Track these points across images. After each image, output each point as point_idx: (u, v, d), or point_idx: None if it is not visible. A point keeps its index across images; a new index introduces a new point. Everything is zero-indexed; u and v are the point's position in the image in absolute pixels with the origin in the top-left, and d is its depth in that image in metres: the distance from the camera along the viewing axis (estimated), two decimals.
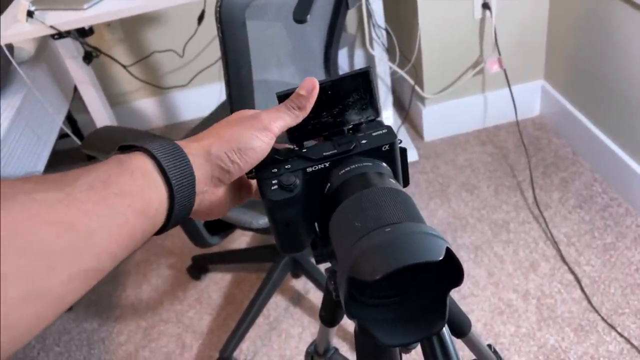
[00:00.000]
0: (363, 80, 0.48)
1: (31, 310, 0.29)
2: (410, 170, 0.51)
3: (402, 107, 2.20)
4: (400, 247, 0.36)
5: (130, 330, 1.57)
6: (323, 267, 0.55)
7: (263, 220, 1.15)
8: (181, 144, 0.42)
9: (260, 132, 0.44)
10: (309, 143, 0.50)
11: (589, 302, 1.40)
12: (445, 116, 2.01)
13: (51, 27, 1.37)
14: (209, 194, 0.44)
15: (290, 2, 0.98)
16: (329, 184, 0.47)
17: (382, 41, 1.82)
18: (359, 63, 2.37)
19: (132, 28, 2.20)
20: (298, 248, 0.49)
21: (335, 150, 0.47)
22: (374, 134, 0.48)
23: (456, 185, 1.83)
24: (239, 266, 1.71)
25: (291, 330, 1.49)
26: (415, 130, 2.12)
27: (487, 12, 1.77)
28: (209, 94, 2.31)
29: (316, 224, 0.49)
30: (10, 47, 1.55)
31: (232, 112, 0.99)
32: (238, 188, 0.49)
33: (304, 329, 1.48)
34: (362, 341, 0.60)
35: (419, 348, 0.61)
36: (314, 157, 0.47)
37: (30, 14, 1.38)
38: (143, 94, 2.41)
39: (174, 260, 1.77)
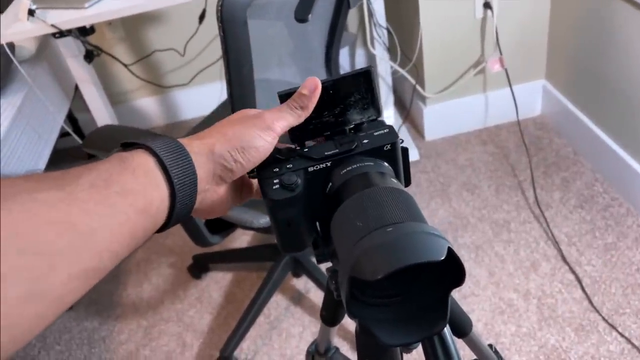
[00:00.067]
0: (365, 80, 0.48)
1: (31, 310, 0.29)
2: (411, 170, 0.51)
3: (403, 107, 2.19)
4: (402, 247, 0.36)
5: (131, 329, 1.57)
6: (324, 266, 0.55)
7: (264, 220, 1.15)
8: (183, 141, 0.42)
9: (264, 132, 0.44)
10: (309, 142, 0.50)
11: (590, 302, 1.40)
12: (446, 115, 2.01)
13: (52, 25, 1.37)
14: (210, 193, 0.44)
15: (291, 1, 0.98)
16: (330, 184, 0.47)
17: (383, 40, 1.82)
18: (360, 62, 2.37)
19: (133, 27, 2.20)
20: (299, 247, 0.49)
21: (337, 150, 0.47)
22: (375, 133, 0.48)
23: (457, 184, 1.83)
24: (240, 265, 1.71)
25: (292, 330, 1.49)
26: (416, 129, 2.12)
27: (489, 11, 1.77)
28: (210, 93, 2.30)
29: (317, 223, 0.49)
30: (11, 45, 1.55)
31: (233, 111, 0.99)
32: (239, 187, 0.49)
33: (304, 328, 1.48)
34: (363, 341, 0.60)
35: (420, 348, 0.61)
36: (316, 157, 0.47)
37: (31, 12, 1.38)
38: (144, 93, 2.41)
39: (175, 259, 1.77)
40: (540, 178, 1.79)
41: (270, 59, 1.14)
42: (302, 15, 0.93)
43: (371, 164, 0.46)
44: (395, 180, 0.46)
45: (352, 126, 0.50)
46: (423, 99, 1.99)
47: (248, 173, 0.46)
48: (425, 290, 0.41)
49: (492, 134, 2.02)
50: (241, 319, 1.44)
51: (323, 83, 0.47)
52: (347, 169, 0.46)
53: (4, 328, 0.27)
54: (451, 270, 0.37)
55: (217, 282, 1.67)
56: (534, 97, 2.02)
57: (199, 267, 1.69)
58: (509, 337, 1.36)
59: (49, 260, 0.29)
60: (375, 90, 0.49)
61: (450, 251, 0.36)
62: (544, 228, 1.62)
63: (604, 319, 1.35)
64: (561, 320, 1.38)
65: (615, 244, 1.53)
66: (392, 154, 0.48)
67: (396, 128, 2.01)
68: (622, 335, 1.31)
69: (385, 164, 0.48)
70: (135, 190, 0.36)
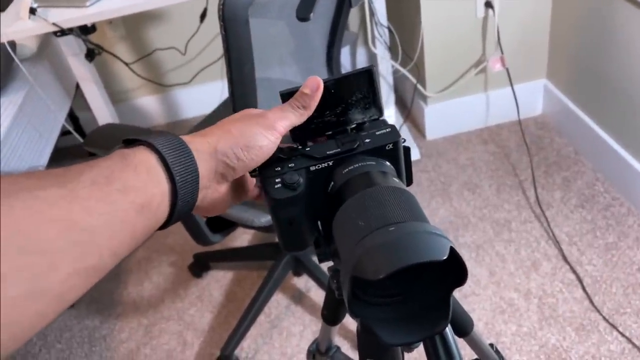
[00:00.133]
0: (366, 79, 0.48)
1: (32, 308, 0.29)
2: (413, 169, 0.51)
3: (404, 106, 2.19)
4: (404, 247, 0.36)
5: (131, 328, 1.58)
6: (324, 265, 0.54)
7: (265, 218, 1.15)
8: (186, 139, 0.42)
9: (267, 131, 0.44)
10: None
11: (591, 301, 1.40)
12: (448, 115, 2.01)
13: (54, 24, 1.37)
14: (211, 190, 0.44)
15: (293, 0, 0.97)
16: (332, 183, 0.46)
17: (384, 39, 1.82)
18: (361, 61, 2.37)
19: (134, 25, 2.20)
20: (301, 246, 0.49)
21: (339, 149, 0.47)
22: (377, 132, 0.48)
23: (458, 184, 1.83)
24: (241, 264, 1.71)
25: (292, 329, 1.49)
26: (418, 128, 2.12)
27: (490, 10, 1.76)
28: (211, 92, 2.30)
29: (319, 222, 0.49)
30: (12, 44, 1.55)
31: (234, 110, 0.99)
32: (240, 186, 0.49)
33: (305, 327, 1.48)
34: (365, 340, 0.60)
35: (421, 347, 0.61)
36: (318, 156, 0.47)
37: (32, 11, 1.38)
38: (145, 92, 2.41)
39: (176, 257, 1.77)
40: (541, 177, 1.78)
41: (271, 57, 1.14)
42: (303, 14, 0.93)
43: (373, 163, 0.46)
44: (397, 180, 0.46)
45: (353, 125, 0.50)
46: (424, 98, 1.99)
47: (250, 172, 0.46)
48: (427, 290, 0.41)
49: (493, 134, 2.02)
50: (242, 318, 1.44)
51: (325, 82, 0.47)
52: (349, 168, 0.46)
53: (4, 326, 0.27)
54: (453, 270, 0.37)
55: (218, 280, 1.67)
56: (535, 96, 2.02)
57: (199, 266, 1.69)
58: (510, 337, 1.36)
59: (49, 258, 0.29)
60: (377, 89, 0.48)
61: (453, 251, 0.35)
62: (545, 227, 1.62)
63: (604, 318, 1.35)
64: (562, 319, 1.37)
65: (616, 243, 1.53)
66: (394, 153, 0.48)
67: (397, 127, 2.01)
68: (622, 334, 1.31)
69: (387, 163, 0.48)
70: (137, 187, 0.36)
